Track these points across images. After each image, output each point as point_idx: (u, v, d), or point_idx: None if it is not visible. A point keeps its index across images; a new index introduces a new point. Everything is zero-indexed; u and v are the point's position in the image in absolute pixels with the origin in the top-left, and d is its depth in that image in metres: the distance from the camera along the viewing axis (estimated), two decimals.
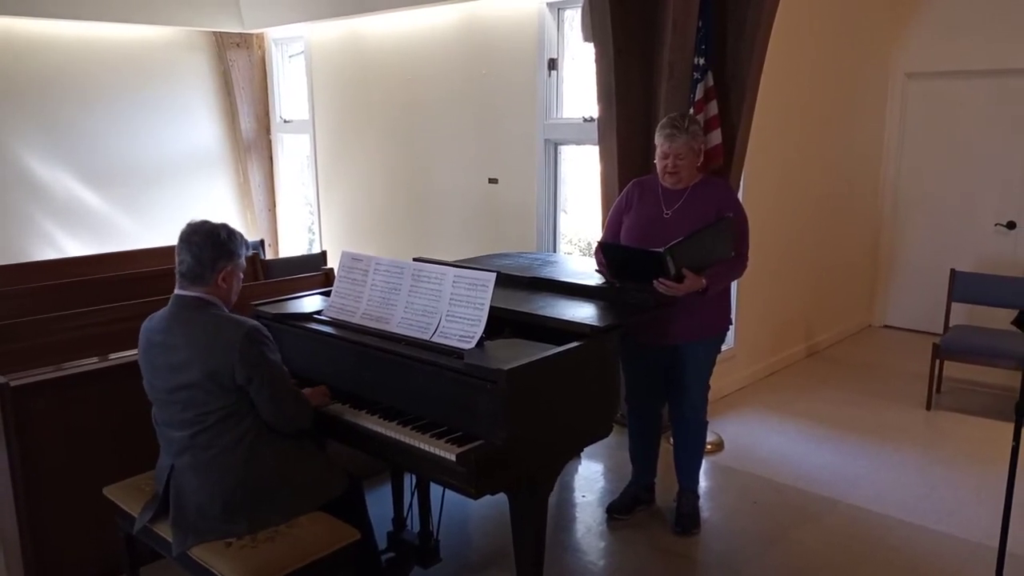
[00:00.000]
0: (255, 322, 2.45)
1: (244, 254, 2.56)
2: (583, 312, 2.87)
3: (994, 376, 5.28)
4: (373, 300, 2.84)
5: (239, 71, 7.79)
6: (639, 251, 3.10)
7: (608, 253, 3.15)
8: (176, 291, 2.48)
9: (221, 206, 7.97)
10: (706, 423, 3.55)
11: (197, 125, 7.76)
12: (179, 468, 2.44)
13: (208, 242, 2.45)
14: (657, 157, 3.25)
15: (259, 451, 2.44)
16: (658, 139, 3.22)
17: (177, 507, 2.42)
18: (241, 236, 2.56)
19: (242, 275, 2.58)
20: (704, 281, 3.04)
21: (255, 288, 4.55)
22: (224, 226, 2.51)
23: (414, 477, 3.15)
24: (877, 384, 5.40)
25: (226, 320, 2.41)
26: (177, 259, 2.47)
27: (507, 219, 6.03)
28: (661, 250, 2.91)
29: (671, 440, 3.63)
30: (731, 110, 4.05)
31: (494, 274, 2.58)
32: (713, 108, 3.94)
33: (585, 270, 3.53)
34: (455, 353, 2.48)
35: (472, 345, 2.49)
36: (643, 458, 3.67)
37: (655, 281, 2.98)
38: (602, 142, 4.15)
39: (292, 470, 2.50)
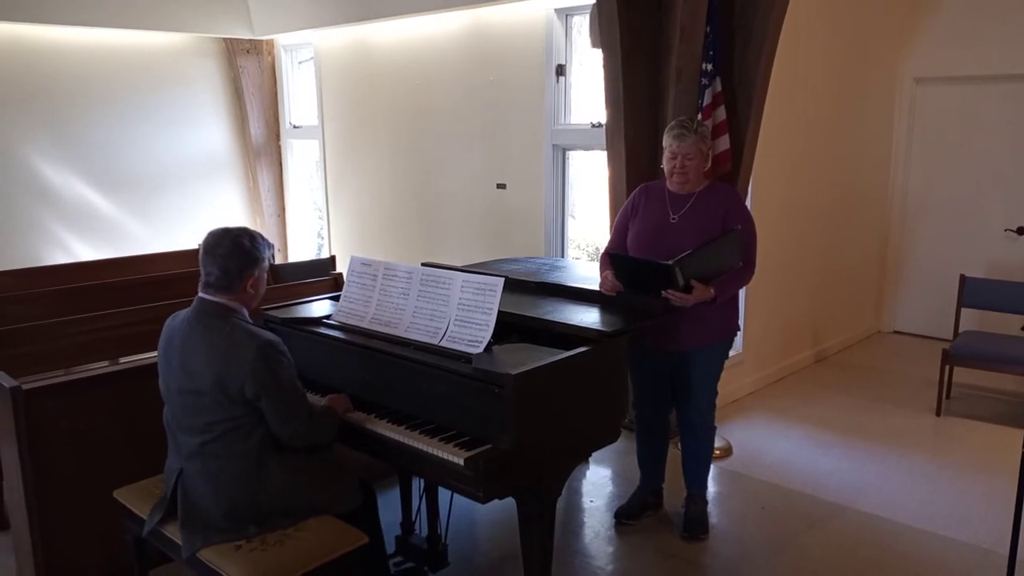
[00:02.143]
0: (271, 336, 2.42)
1: (268, 256, 2.53)
2: (591, 317, 2.87)
3: (1004, 382, 5.25)
4: (382, 305, 2.86)
5: (249, 77, 7.84)
6: (647, 262, 3.10)
7: (616, 263, 3.14)
8: (200, 294, 2.47)
9: (231, 211, 8.02)
10: (714, 428, 3.55)
11: (207, 130, 7.81)
12: (188, 472, 2.44)
13: (234, 252, 2.42)
14: (665, 159, 3.25)
15: (268, 465, 2.42)
16: (667, 140, 3.22)
17: (186, 510, 2.43)
18: (262, 237, 2.53)
19: (266, 276, 2.55)
20: (712, 291, 3.04)
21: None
22: (245, 231, 2.48)
23: (422, 481, 3.16)
24: (886, 390, 5.38)
25: (243, 332, 2.38)
26: (203, 270, 2.45)
27: (515, 224, 6.04)
28: (670, 262, 2.91)
29: (679, 445, 3.63)
30: (739, 116, 4.06)
31: (502, 279, 2.59)
32: (721, 114, 3.95)
33: (593, 275, 3.54)
34: (463, 357, 2.49)
35: (480, 350, 2.50)
36: (651, 463, 3.67)
37: (664, 292, 2.98)
38: (610, 147, 4.15)
39: (303, 486, 2.48)
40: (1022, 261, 5.94)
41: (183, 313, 2.51)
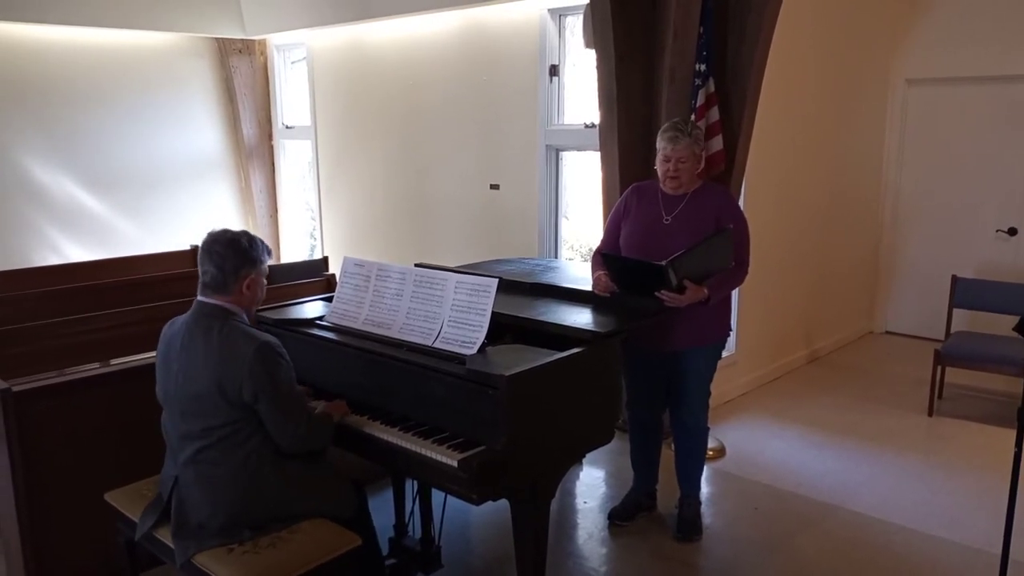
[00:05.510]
0: (269, 338, 2.41)
1: (267, 260, 2.55)
2: (584, 318, 2.87)
3: (996, 382, 5.26)
4: (375, 306, 2.85)
5: (241, 77, 7.82)
6: (640, 263, 3.10)
7: (609, 264, 3.13)
8: (198, 297, 2.47)
9: (223, 212, 7.98)
10: (707, 429, 3.54)
11: (199, 131, 7.78)
12: (183, 480, 2.42)
13: (230, 251, 2.44)
14: (658, 161, 3.24)
15: (265, 472, 2.41)
16: (660, 143, 3.22)
17: (179, 519, 2.41)
18: (262, 242, 2.54)
19: (265, 281, 2.56)
20: (706, 291, 3.03)
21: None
22: (245, 233, 2.50)
23: (416, 483, 3.15)
24: (878, 390, 5.40)
25: (241, 334, 2.38)
26: (200, 269, 2.46)
27: (509, 225, 6.04)
28: (663, 263, 2.91)
29: (672, 446, 3.62)
30: (732, 116, 4.06)
31: (496, 280, 2.58)
32: (715, 114, 3.95)
33: (586, 276, 3.53)
34: (457, 359, 2.48)
35: (474, 351, 2.49)
36: (644, 464, 3.67)
37: (657, 293, 2.98)
38: (603, 148, 4.15)
39: (299, 492, 2.47)
40: (1013, 262, 5.97)
41: (182, 318, 2.51)
